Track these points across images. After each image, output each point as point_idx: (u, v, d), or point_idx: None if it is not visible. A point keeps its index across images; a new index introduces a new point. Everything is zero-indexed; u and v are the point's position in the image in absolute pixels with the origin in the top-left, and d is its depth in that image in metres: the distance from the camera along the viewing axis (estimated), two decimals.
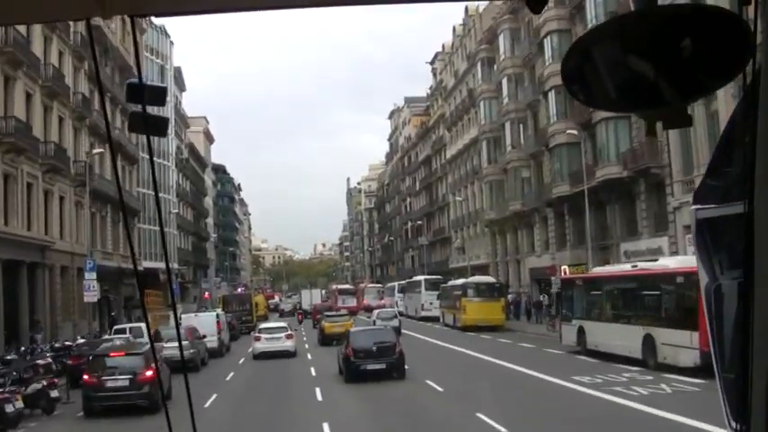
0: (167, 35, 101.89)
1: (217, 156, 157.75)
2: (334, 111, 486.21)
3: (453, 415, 23.48)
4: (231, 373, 38.28)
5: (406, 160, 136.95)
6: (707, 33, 2.10)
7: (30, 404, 26.43)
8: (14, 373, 29.69)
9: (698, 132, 40.55)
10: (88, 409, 26.74)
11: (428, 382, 30.07)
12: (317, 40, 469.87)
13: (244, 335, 63.59)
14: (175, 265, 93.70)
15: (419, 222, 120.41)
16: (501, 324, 58.10)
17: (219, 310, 58.46)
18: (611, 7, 50.09)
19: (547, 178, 65.62)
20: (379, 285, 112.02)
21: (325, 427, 21.90)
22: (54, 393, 27.59)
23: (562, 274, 52.28)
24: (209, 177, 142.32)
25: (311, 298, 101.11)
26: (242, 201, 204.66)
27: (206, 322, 47.37)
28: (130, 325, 47.58)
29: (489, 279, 66.60)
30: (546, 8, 2.70)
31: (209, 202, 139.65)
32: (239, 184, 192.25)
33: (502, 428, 19.99)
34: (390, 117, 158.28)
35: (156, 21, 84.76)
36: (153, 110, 3.24)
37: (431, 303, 74.20)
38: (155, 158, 4.61)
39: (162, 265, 77.70)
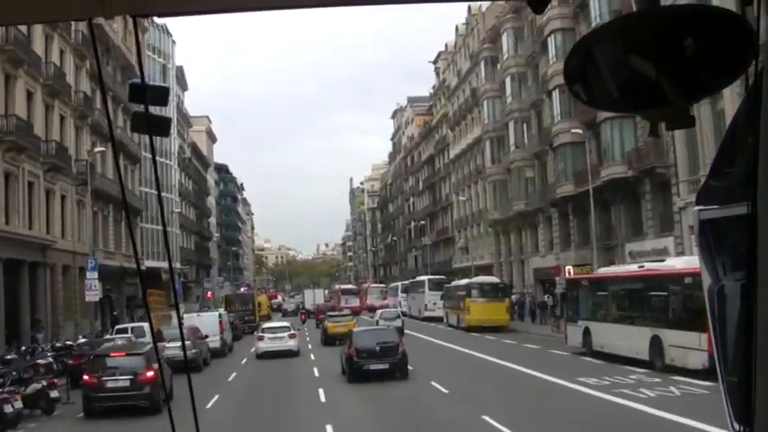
0: (169, 34, 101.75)
1: (219, 156, 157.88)
2: (337, 111, 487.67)
3: (459, 417, 23.14)
4: (234, 374, 37.97)
5: (409, 160, 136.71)
6: (709, 33, 2.09)
7: (29, 404, 26.17)
8: (14, 373, 29.37)
9: (704, 131, 40.25)
10: (88, 410, 26.44)
11: (433, 383, 29.75)
12: (318, 41, 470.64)
13: (246, 335, 63.38)
14: (178, 265, 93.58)
15: (422, 222, 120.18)
16: (505, 325, 57.79)
17: (222, 310, 58.24)
18: (615, 5, 49.78)
19: (551, 178, 65.37)
20: (382, 285, 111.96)
21: (329, 429, 21.62)
22: (54, 394, 27.32)
23: (566, 274, 51.93)
24: (211, 177, 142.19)
25: (314, 298, 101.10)
26: (245, 200, 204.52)
27: (208, 322, 47.02)
28: (132, 324, 47.40)
29: (493, 279, 66.32)
30: (549, 7, 2.50)
31: (211, 201, 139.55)
32: (242, 184, 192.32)
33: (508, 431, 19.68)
34: (393, 117, 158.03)
35: (158, 20, 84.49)
36: (156, 110, 3.20)
37: (434, 304, 73.89)
38: (157, 158, 4.47)
39: (164, 264, 77.57)
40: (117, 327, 47.32)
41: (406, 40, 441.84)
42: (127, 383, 25.95)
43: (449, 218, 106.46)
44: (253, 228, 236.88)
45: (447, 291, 70.07)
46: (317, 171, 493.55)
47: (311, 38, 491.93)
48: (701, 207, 2.92)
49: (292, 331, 46.75)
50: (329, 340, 50.39)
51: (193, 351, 38.06)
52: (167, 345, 35.05)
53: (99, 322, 56.41)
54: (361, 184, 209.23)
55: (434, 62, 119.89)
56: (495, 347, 44.45)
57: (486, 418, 21.30)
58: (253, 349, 47.50)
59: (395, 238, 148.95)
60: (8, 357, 34.69)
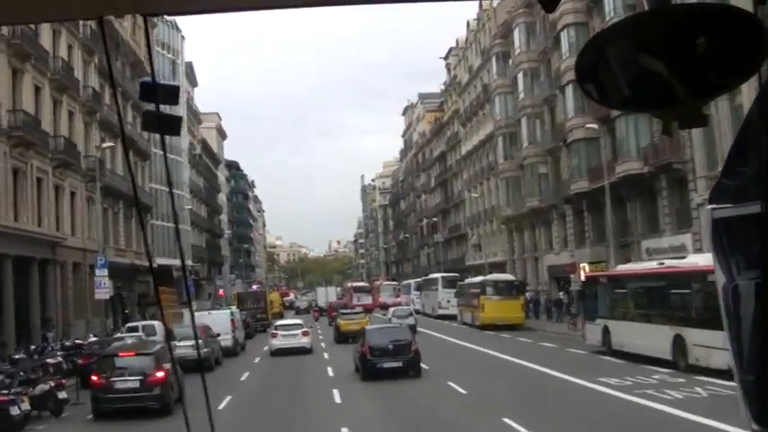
0: (178, 30, 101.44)
1: (230, 153, 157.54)
2: (348, 109, 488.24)
3: (478, 420, 22.47)
4: (246, 373, 37.32)
5: (420, 157, 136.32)
6: (721, 32, 2.06)
7: (37, 406, 25.62)
8: (22, 374, 28.70)
9: (722, 126, 39.53)
10: (97, 412, 25.87)
11: (450, 383, 29.10)
12: (331, 41, 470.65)
13: (259, 333, 62.98)
14: (189, 262, 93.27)
15: (434, 219, 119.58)
16: (520, 323, 57.15)
17: (234, 308, 57.82)
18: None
19: (564, 174, 64.69)
20: (394, 283, 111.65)
21: (344, 431, 21.02)
22: (62, 394, 26.71)
23: (582, 271, 51.39)
24: (222, 174, 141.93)
25: (327, 295, 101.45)
26: (256, 197, 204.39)
27: (220, 320, 46.44)
28: (143, 323, 46.94)
29: (508, 277, 65.77)
30: (562, 1, 1.88)
31: (222, 198, 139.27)
32: (253, 181, 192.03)
33: None
34: (404, 113, 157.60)
35: (167, 17, 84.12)
36: (166, 108, 3.19)
37: (448, 301, 73.39)
38: (167, 155, 4.12)
39: (175, 261, 77.21)
40: (128, 325, 46.90)
41: (418, 38, 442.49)
42: (136, 384, 25.35)
43: (461, 215, 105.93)
44: (264, 225, 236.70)
45: (461, 288, 69.47)
46: (331, 168, 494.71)
47: (325, 38, 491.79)
48: (715, 206, 2.90)
49: (305, 329, 47.04)
50: (342, 338, 50.39)
51: (205, 350, 37.42)
52: (178, 344, 34.41)
53: (111, 320, 55.94)
54: (373, 181, 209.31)
55: (445, 58, 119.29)
56: (511, 346, 43.86)
57: (507, 420, 20.67)
58: (266, 347, 47.33)
59: (407, 236, 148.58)
60: (16, 357, 34.23)
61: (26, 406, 24.21)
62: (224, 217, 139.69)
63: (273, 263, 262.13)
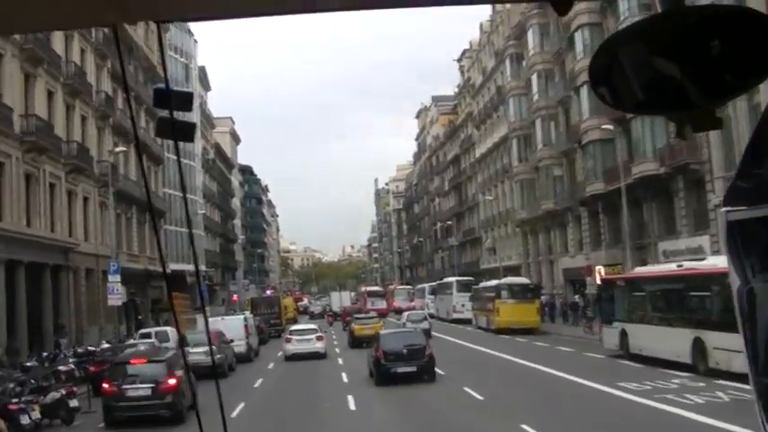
0: (191, 34, 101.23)
1: (243, 157, 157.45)
2: (361, 112, 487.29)
3: (495, 426, 22.15)
4: (260, 380, 36.95)
5: (434, 160, 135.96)
6: (735, 34, 2.04)
7: (48, 414, 25.32)
8: (33, 381, 28.36)
9: (740, 126, 39.02)
10: (109, 420, 25.53)
11: (465, 388, 28.75)
12: (346, 43, 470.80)
13: (273, 338, 62.64)
14: (203, 268, 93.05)
15: (449, 223, 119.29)
16: (536, 326, 56.80)
17: (248, 313, 57.53)
18: None
19: (580, 176, 64.24)
20: (408, 287, 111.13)
21: None
22: (74, 403, 26.35)
23: (597, 274, 50.94)
24: (235, 178, 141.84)
25: (341, 300, 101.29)
26: (269, 202, 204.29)
27: (233, 326, 46.01)
28: (156, 329, 46.65)
29: (523, 280, 65.38)
30: (575, 2, 2.47)
31: (236, 203, 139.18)
32: (266, 186, 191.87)
33: None
34: (418, 116, 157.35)
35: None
36: (180, 115, 3.22)
37: (462, 305, 73.05)
38: (181, 159, 3.87)
39: (188, 267, 76.96)
40: (141, 331, 46.64)
41: (431, 41, 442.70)
42: (148, 392, 25.03)
43: (475, 218, 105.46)
44: (278, 230, 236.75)
45: (475, 292, 69.11)
46: (344, 172, 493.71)
47: (330, 39, 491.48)
48: (729, 208, 2.80)
49: (319, 333, 47.00)
50: (356, 343, 50.34)
51: (218, 356, 37.06)
52: (191, 350, 34.05)
53: (124, 327, 55.73)
54: (386, 185, 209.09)
55: (459, 60, 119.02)
56: (527, 350, 43.45)
57: (526, 427, 20.32)
58: (280, 353, 47.17)
59: (421, 239, 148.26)
60: (28, 364, 33.90)
61: (36, 414, 23.95)
62: (237, 222, 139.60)
63: (287, 268, 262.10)
